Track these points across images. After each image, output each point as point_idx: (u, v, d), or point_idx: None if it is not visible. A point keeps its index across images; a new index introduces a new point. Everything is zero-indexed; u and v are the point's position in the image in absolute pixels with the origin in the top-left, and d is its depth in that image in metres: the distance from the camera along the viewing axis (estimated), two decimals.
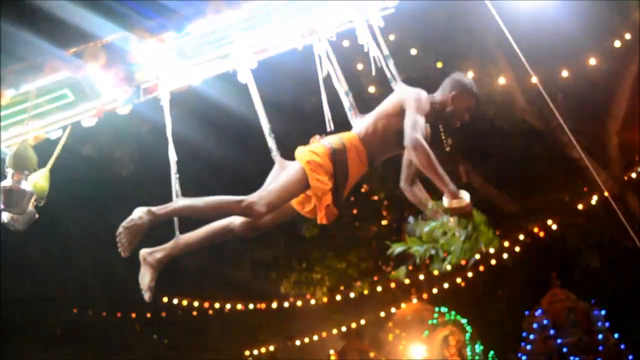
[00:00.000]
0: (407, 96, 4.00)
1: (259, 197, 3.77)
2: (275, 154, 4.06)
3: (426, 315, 15.34)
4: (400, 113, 3.95)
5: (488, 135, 13.90)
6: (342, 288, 16.46)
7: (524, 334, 14.94)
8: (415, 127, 3.82)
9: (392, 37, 11.70)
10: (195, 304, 16.79)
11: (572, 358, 14.18)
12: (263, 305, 16.98)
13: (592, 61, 11.97)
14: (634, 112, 13.08)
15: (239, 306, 16.91)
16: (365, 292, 16.35)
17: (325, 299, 16.44)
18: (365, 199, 16.05)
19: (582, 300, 14.85)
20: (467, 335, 15.07)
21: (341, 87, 4.26)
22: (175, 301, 16.72)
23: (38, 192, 4.55)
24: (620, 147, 13.63)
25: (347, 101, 4.23)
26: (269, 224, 4.00)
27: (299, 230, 14.98)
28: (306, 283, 16.27)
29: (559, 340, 14.37)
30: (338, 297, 16.47)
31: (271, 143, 4.10)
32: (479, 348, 15.06)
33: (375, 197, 15.72)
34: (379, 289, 16.38)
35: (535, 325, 14.74)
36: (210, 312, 16.89)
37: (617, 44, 11.87)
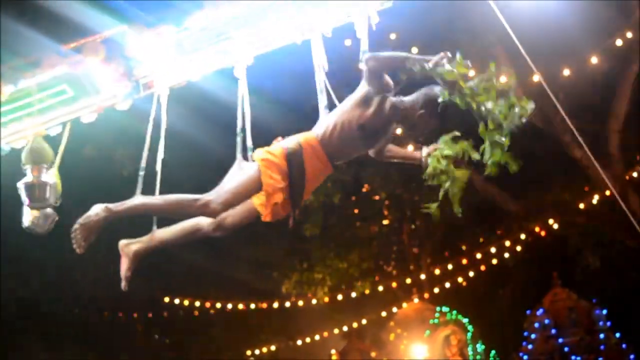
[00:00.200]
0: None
1: (215, 195, 3.79)
2: (238, 153, 4.07)
3: (427, 315, 15.32)
4: (362, 104, 3.91)
5: None
6: (343, 288, 16.46)
7: (526, 334, 14.92)
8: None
9: (392, 37, 11.74)
10: (197, 303, 16.80)
11: (573, 357, 14.17)
12: (264, 305, 16.99)
13: (594, 60, 11.96)
14: (635, 111, 13.07)
15: (241, 306, 16.90)
16: (367, 291, 16.34)
17: (326, 299, 16.44)
18: (366, 198, 16.07)
19: (584, 300, 14.82)
20: (469, 334, 15.06)
21: (319, 84, 4.20)
22: (177, 301, 16.74)
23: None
24: (621, 146, 13.61)
25: (322, 99, 4.17)
26: (236, 225, 4.03)
27: (300, 230, 14.99)
28: (307, 283, 16.27)
29: (560, 340, 14.35)
30: (339, 297, 16.47)
31: (238, 141, 4.11)
32: (480, 347, 15.05)
33: (377, 197, 15.73)
34: (380, 288, 16.38)
35: (536, 325, 14.72)
36: (212, 312, 16.89)
37: (619, 42, 11.85)
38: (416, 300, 15.93)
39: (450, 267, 16.13)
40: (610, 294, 15.25)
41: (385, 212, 16.41)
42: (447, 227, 16.59)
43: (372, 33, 4.20)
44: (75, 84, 4.32)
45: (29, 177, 4.47)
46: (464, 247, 16.11)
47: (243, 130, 4.16)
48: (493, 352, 15.37)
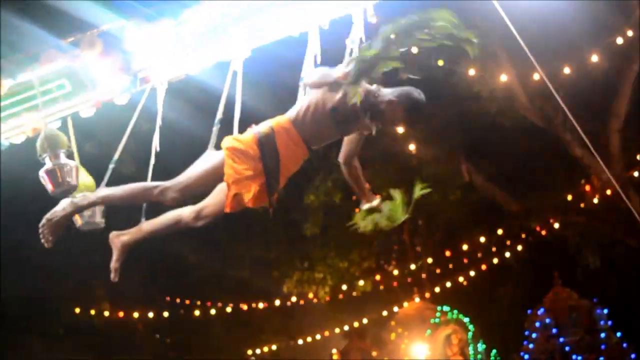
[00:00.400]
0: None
1: (174, 183, 3.79)
2: (211, 144, 4.02)
3: (428, 314, 15.32)
4: (335, 87, 3.80)
5: (490, 134, 13.90)
6: (344, 287, 16.45)
7: (527, 333, 14.92)
8: None
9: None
10: (198, 303, 16.80)
11: (574, 357, 14.16)
12: (265, 305, 16.99)
13: (594, 59, 11.96)
14: (636, 110, 13.07)
15: (242, 305, 16.91)
16: (368, 290, 16.34)
17: (327, 298, 16.43)
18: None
19: (585, 299, 14.82)
20: (470, 334, 15.05)
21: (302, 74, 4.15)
22: (178, 301, 16.74)
23: (89, 188, 4.49)
24: (622, 146, 13.60)
25: (301, 89, 4.11)
26: (216, 214, 3.94)
27: (300, 230, 14.98)
28: (308, 282, 16.25)
29: (561, 339, 14.35)
30: (340, 296, 16.46)
31: (214, 131, 4.08)
32: (481, 347, 15.04)
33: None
34: (381, 288, 16.37)
35: (537, 324, 14.72)
36: (213, 311, 16.88)
37: (619, 41, 11.85)
38: (417, 299, 15.92)
39: (451, 266, 16.13)
40: (611, 293, 15.24)
41: None
42: (448, 226, 16.60)
43: (371, 28, 4.16)
44: (73, 78, 4.32)
45: (48, 164, 4.39)
46: (465, 247, 16.09)
47: (220, 121, 4.12)
48: (494, 351, 15.36)
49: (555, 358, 14.39)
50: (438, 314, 15.20)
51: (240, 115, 4.17)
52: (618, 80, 13.08)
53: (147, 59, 4.18)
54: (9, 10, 3.90)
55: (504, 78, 12.38)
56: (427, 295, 16.13)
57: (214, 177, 3.80)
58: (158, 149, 4.44)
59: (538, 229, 15.35)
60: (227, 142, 3.81)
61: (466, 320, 15.14)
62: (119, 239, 4.06)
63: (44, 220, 3.87)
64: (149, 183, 3.93)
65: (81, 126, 4.74)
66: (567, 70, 12.05)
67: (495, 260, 15.66)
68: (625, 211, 12.77)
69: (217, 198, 3.91)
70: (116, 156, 4.23)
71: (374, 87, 3.90)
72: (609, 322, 14.56)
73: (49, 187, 4.40)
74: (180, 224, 3.98)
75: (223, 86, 4.07)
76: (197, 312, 16.82)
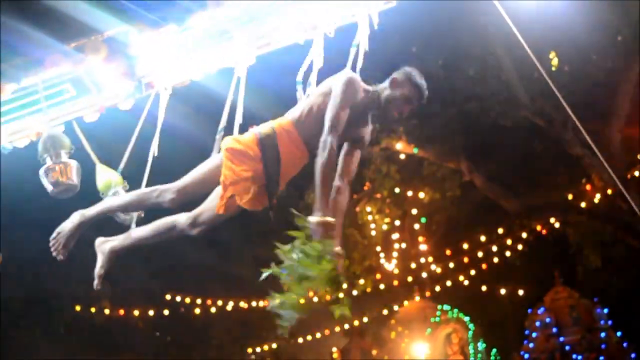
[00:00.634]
0: (337, 80, 3.77)
1: (172, 184, 3.80)
2: (214, 152, 4.00)
3: (429, 313, 15.35)
4: (330, 93, 3.74)
5: (490, 133, 13.89)
6: (344, 285, 16.40)
7: (527, 332, 14.91)
8: (333, 124, 3.62)
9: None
10: (198, 301, 16.79)
11: (574, 356, 14.16)
12: (266, 303, 16.92)
13: (595, 58, 11.95)
14: (637, 110, 13.05)
15: (242, 303, 16.89)
16: (368, 289, 16.32)
17: (327, 297, 16.37)
18: (367, 197, 16.04)
19: (585, 298, 14.81)
20: (470, 333, 15.08)
21: (315, 83, 4.09)
22: (178, 299, 16.73)
23: (118, 184, 4.47)
24: (623, 145, 13.59)
25: (299, 92, 4.08)
26: (213, 219, 3.88)
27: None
28: None
29: (561, 338, 14.34)
30: (341, 295, 16.41)
31: (217, 139, 4.06)
32: (481, 346, 15.06)
33: (378, 195, 15.70)
34: (382, 286, 16.36)
35: (537, 323, 14.71)
36: (213, 309, 16.88)
37: (620, 41, 11.84)
38: (417, 298, 15.94)
39: (451, 265, 16.12)
40: (612, 292, 15.23)
41: (387, 210, 16.38)
42: (449, 225, 16.59)
43: (373, 33, 4.15)
44: (77, 83, 4.32)
45: (48, 163, 4.38)
46: (465, 246, 16.09)
47: (224, 129, 4.11)
48: (494, 350, 15.38)
49: (556, 357, 14.38)
50: (438, 313, 15.23)
51: (243, 121, 4.16)
52: (619, 80, 13.06)
53: (151, 65, 4.18)
54: (14, 14, 3.89)
55: (504, 78, 12.38)
56: (428, 294, 16.14)
57: (213, 178, 3.76)
58: (156, 153, 4.45)
59: (539, 228, 15.34)
60: (226, 142, 3.77)
61: (466, 319, 15.17)
62: (105, 245, 4.08)
63: (55, 233, 3.94)
64: (149, 188, 3.93)
65: (84, 130, 4.74)
66: (567, 70, 12.05)
67: (496, 260, 15.65)
68: (626, 210, 12.83)
69: (214, 203, 3.84)
70: (122, 165, 4.23)
71: (370, 87, 3.87)
72: (610, 322, 14.55)
73: (49, 187, 4.41)
74: (174, 231, 3.95)
75: (227, 92, 4.06)
76: (197, 311, 16.82)
